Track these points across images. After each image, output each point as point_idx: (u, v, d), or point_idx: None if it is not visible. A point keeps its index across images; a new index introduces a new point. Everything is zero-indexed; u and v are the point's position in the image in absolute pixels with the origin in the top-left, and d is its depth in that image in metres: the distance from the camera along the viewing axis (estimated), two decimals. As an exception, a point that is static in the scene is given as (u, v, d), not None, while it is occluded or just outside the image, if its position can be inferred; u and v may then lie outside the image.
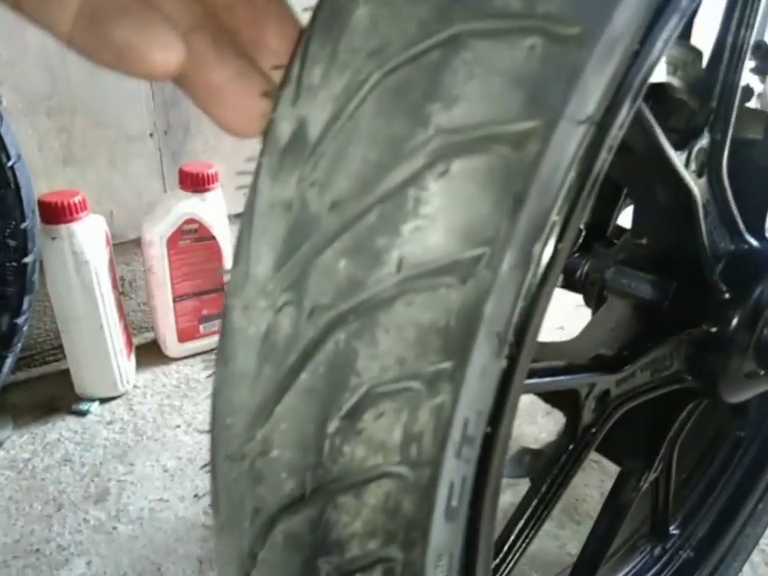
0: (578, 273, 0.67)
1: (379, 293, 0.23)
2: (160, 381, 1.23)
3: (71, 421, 1.12)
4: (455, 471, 0.27)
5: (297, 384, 0.25)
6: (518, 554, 0.50)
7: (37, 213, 1.00)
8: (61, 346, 1.18)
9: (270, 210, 0.25)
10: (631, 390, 0.54)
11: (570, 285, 0.70)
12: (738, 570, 0.82)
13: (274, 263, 0.25)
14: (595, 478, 0.94)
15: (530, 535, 0.51)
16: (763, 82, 0.70)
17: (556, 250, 0.27)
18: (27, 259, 0.99)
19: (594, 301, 0.63)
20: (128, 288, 1.35)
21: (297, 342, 0.25)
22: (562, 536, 0.86)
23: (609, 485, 0.67)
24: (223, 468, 0.28)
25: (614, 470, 0.68)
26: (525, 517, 0.51)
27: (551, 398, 0.52)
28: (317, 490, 0.26)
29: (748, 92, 0.71)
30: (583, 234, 0.70)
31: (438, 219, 0.23)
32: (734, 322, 0.52)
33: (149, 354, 1.30)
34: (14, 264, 0.98)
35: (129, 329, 1.24)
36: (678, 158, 0.47)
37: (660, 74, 0.57)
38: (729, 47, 0.48)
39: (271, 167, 0.25)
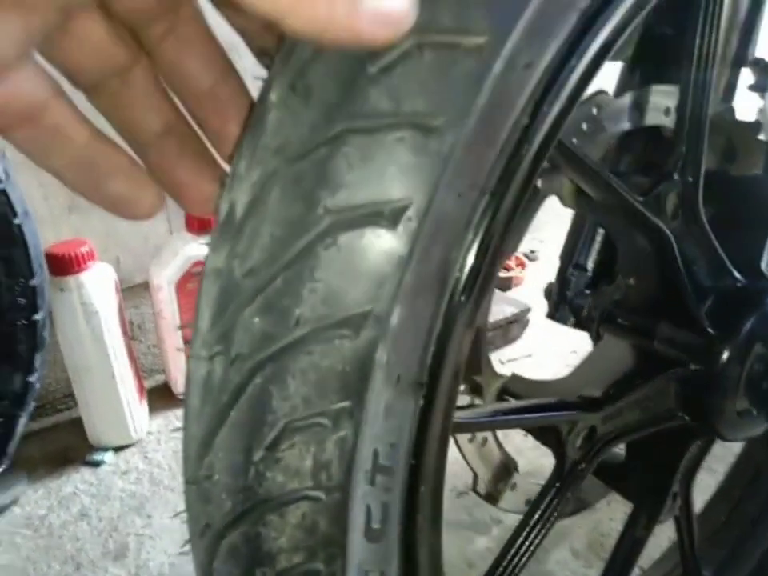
0: (584, 311, 0.69)
1: (285, 344, 0.28)
2: (173, 425, 1.23)
3: (86, 472, 1.11)
4: (371, 497, 0.31)
5: (228, 420, 0.30)
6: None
7: (45, 267, 0.99)
8: (72, 394, 1.17)
9: (210, 276, 0.31)
10: (621, 427, 0.55)
11: (579, 323, 0.72)
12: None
13: (211, 319, 0.30)
14: (620, 511, 0.92)
15: (518, 569, 0.53)
16: (763, 98, 0.70)
17: (458, 303, 0.32)
18: (37, 316, 0.97)
19: (595, 339, 0.64)
20: (137, 331, 1.35)
21: (227, 385, 0.30)
22: (591, 575, 0.86)
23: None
24: (186, 491, 0.34)
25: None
26: (512, 551, 0.53)
27: (538, 434, 0.55)
28: (248, 509, 0.31)
29: (756, 127, 0.72)
30: (590, 273, 0.72)
31: (330, 282, 0.28)
32: (722, 359, 0.53)
33: (161, 397, 1.29)
34: (25, 322, 0.96)
35: (140, 374, 1.23)
36: (642, 204, 0.49)
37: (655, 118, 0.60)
38: (692, 87, 0.50)
39: (213, 240, 0.31)
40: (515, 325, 1.42)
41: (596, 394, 0.54)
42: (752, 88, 0.71)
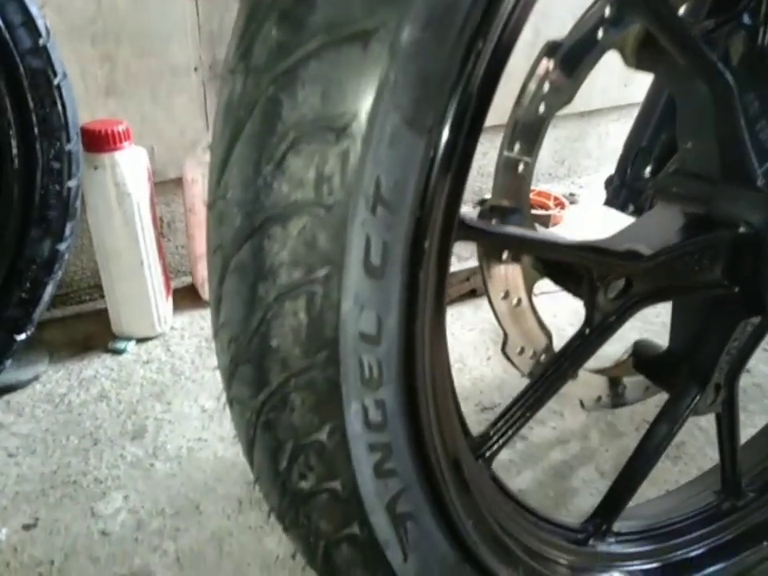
0: (644, 195, 0.67)
1: (300, 55, 0.30)
2: (198, 323, 1.21)
3: (107, 359, 1.11)
4: (371, 227, 0.32)
5: (243, 134, 0.32)
6: (515, 427, 0.53)
7: (80, 136, 0.96)
8: (97, 286, 1.14)
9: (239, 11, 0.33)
10: (660, 287, 0.53)
11: (637, 210, 0.70)
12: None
13: (236, 44, 0.33)
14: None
15: (531, 412, 0.53)
16: None
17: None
18: (71, 183, 0.95)
19: (649, 215, 0.62)
20: (167, 229, 1.32)
21: (244, 99, 0.32)
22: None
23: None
24: (207, 217, 0.36)
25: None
26: (529, 391, 0.53)
27: (569, 283, 0.54)
28: (256, 222, 0.33)
29: None
30: (654, 158, 0.70)
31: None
32: (779, 224, 0.50)
33: (186, 297, 1.27)
34: (57, 187, 0.94)
35: (167, 270, 1.19)
36: (705, 43, 0.47)
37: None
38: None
39: None
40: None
41: (635, 249, 0.52)
42: None
